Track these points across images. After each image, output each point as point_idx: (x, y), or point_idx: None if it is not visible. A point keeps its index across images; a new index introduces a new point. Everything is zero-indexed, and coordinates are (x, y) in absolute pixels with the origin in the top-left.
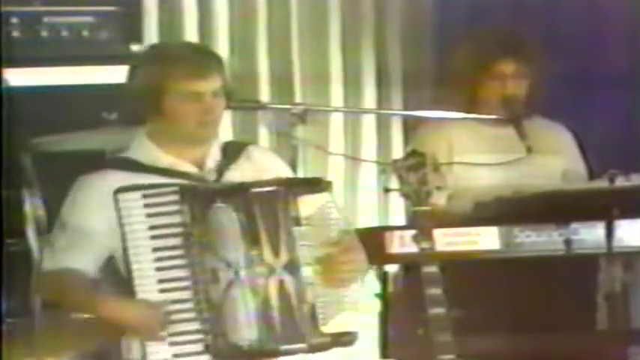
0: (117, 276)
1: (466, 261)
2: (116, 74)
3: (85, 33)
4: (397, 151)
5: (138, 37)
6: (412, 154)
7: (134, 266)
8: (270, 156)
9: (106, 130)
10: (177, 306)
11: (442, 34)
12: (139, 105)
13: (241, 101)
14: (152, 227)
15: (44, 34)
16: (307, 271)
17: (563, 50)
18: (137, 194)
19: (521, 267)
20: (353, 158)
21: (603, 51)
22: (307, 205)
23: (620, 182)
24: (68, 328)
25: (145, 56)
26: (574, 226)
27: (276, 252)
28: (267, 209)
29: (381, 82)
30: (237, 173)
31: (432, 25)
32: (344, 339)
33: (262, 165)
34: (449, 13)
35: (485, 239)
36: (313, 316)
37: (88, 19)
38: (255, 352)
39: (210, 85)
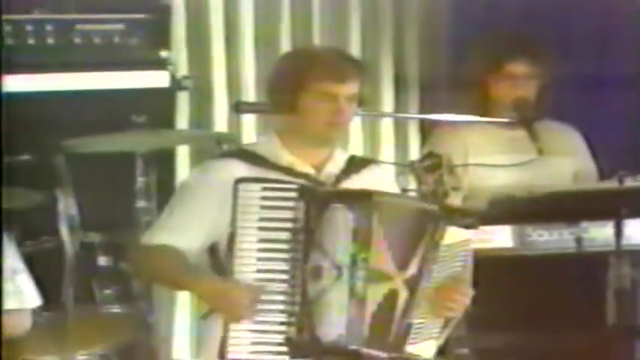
0: (216, 263)
1: (480, 258)
2: (145, 79)
3: (116, 40)
4: (414, 152)
5: (166, 44)
6: (429, 155)
7: (237, 253)
8: (390, 178)
9: (135, 132)
10: (269, 297)
11: (457, 41)
12: (275, 100)
13: (252, 104)
14: (263, 219)
15: (77, 40)
16: (424, 293)
17: (573, 53)
18: (258, 186)
19: (534, 264)
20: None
21: (612, 54)
22: (450, 234)
23: (629, 183)
24: (98, 321)
25: (289, 55)
26: (584, 224)
27: (403, 265)
28: (413, 225)
29: (399, 86)
30: (356, 184)
31: (446, 32)
32: None
33: (382, 183)
34: (464, 21)
35: (499, 237)
36: (407, 333)
37: (119, 26)
38: (335, 349)
39: (346, 89)
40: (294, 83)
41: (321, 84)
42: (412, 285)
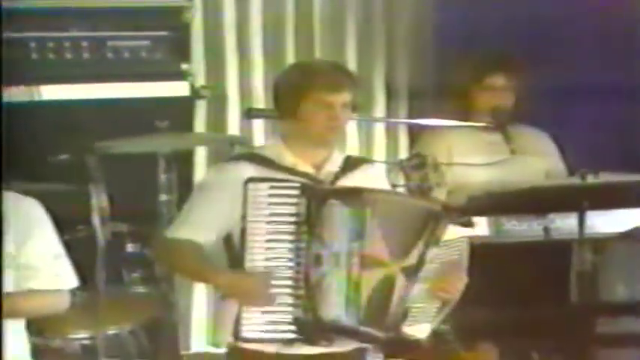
0: (230, 251)
1: None
2: (167, 88)
3: (143, 54)
4: (403, 153)
5: (186, 57)
6: (416, 155)
7: (248, 244)
8: (382, 176)
9: (159, 136)
10: (278, 282)
11: (440, 55)
12: (279, 107)
13: (261, 111)
14: (270, 214)
15: (109, 55)
16: (423, 280)
17: (544, 66)
18: (265, 185)
19: (507, 251)
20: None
21: (578, 66)
22: (450, 232)
23: (590, 179)
24: (126, 301)
25: (292, 68)
26: (551, 216)
27: (401, 254)
28: (413, 220)
29: (390, 95)
30: (352, 181)
31: (431, 47)
32: (410, 341)
33: (375, 180)
34: (447, 38)
35: (477, 227)
36: (404, 316)
37: (145, 42)
38: (335, 327)
39: (341, 98)
40: (296, 93)
41: (318, 93)
42: (411, 273)
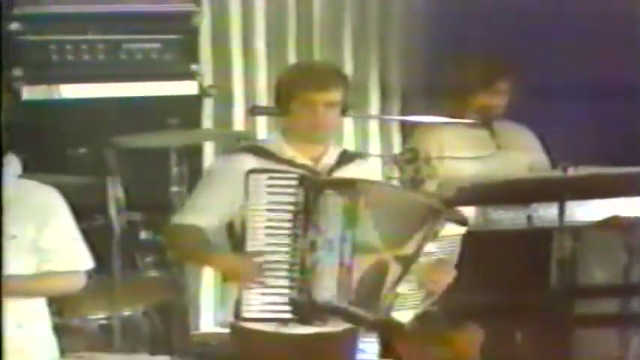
0: (233, 238)
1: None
2: (177, 88)
3: (154, 56)
4: (396, 148)
5: (195, 59)
6: (409, 150)
7: (249, 230)
8: (376, 169)
9: (170, 131)
10: (275, 265)
11: (431, 58)
12: (277, 105)
13: (264, 108)
14: (270, 202)
15: (123, 57)
16: (414, 271)
17: (528, 68)
18: (265, 176)
19: (493, 238)
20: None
21: (561, 67)
22: (447, 228)
23: (571, 172)
24: (139, 284)
25: (287, 69)
26: (534, 206)
27: (399, 243)
28: (412, 213)
29: (384, 95)
30: (347, 174)
31: (422, 52)
32: (394, 325)
33: (369, 173)
34: (437, 42)
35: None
36: (395, 301)
37: (157, 45)
38: (328, 308)
39: (326, 97)
40: (287, 92)
41: (304, 92)
42: (406, 262)
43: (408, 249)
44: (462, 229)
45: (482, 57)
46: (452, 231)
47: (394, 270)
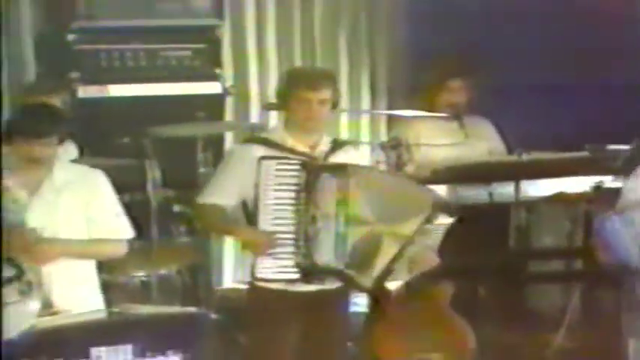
0: (246, 214)
1: None
2: (204, 88)
3: (186, 62)
4: (383, 137)
5: (219, 64)
6: (393, 138)
7: (260, 208)
8: (364, 154)
9: (198, 123)
10: (283, 235)
11: (413, 62)
12: (280, 102)
13: (275, 104)
14: (277, 184)
15: (160, 62)
16: (409, 251)
17: (492, 67)
18: (273, 162)
19: (462, 211)
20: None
21: (520, 66)
22: (439, 219)
23: (525, 157)
24: (173, 249)
25: (287, 72)
26: (494, 185)
27: (391, 219)
28: (408, 197)
29: (373, 92)
30: (340, 159)
31: (406, 56)
32: (383, 291)
33: (357, 159)
34: (418, 47)
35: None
36: (389, 269)
37: (188, 52)
38: (327, 269)
39: (318, 95)
40: (285, 91)
41: (299, 91)
42: (400, 237)
43: (405, 229)
44: (450, 220)
45: (438, 60)
46: (442, 221)
47: (388, 244)
